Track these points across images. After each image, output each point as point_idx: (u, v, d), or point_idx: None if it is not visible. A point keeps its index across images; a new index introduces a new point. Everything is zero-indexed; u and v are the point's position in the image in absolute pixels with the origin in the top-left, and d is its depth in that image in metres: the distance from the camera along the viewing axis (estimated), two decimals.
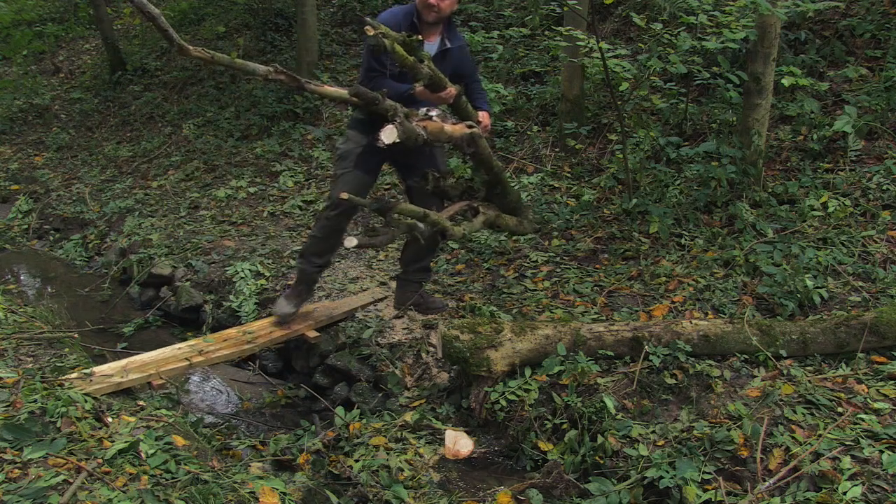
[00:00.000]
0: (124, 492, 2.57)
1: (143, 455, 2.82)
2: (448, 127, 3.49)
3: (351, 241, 3.26)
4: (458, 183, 4.01)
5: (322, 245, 4.14)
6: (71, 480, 2.59)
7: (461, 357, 3.49)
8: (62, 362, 3.67)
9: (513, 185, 4.33)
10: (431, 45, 3.77)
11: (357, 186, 3.87)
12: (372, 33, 3.09)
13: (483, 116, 3.95)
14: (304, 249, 4.28)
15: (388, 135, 3.09)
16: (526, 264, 4.82)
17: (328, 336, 4.41)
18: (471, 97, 3.96)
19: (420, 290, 4.41)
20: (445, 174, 3.98)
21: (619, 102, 5.00)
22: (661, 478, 2.77)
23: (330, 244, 4.15)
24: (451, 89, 3.60)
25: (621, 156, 5.05)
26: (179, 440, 3.05)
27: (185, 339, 4.42)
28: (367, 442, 3.35)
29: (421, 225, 3.39)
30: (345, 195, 3.19)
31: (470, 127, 3.60)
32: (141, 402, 3.45)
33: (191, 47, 2.91)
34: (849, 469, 2.64)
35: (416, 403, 3.82)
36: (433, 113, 3.48)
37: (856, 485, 2.56)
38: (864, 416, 2.91)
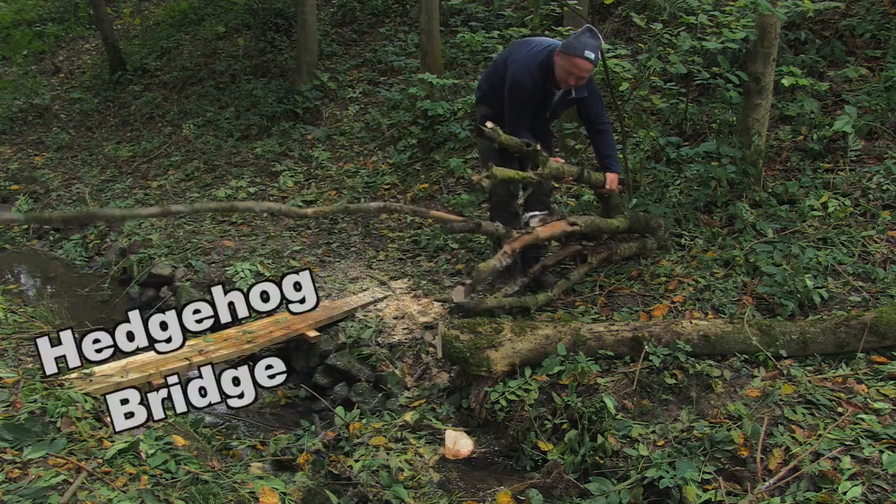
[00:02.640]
0: (124, 492, 2.57)
1: (143, 455, 2.82)
2: (545, 231, 3.94)
3: (459, 294, 3.59)
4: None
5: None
6: (71, 480, 2.60)
7: (461, 357, 3.49)
8: (62, 362, 3.67)
9: (642, 211, 4.57)
10: (560, 91, 4.05)
11: None
12: (491, 126, 3.58)
13: (610, 180, 4.20)
14: (494, 249, 4.56)
15: (457, 295, 3.47)
16: None
17: (328, 336, 4.42)
18: (598, 151, 4.29)
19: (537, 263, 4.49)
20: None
21: (619, 102, 4.99)
22: (661, 478, 2.77)
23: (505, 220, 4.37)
24: (569, 178, 4.06)
25: (621, 156, 5.04)
26: (179, 440, 3.05)
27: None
28: (367, 442, 3.35)
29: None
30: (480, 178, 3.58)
31: (572, 224, 3.97)
32: None
33: (309, 211, 3.23)
34: (849, 469, 2.64)
35: (416, 403, 3.82)
36: (534, 222, 3.99)
37: (856, 485, 2.56)
38: (864, 416, 2.91)
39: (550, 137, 4.54)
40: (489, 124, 3.60)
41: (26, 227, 7.75)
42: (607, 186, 4.19)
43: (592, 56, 3.74)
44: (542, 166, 3.80)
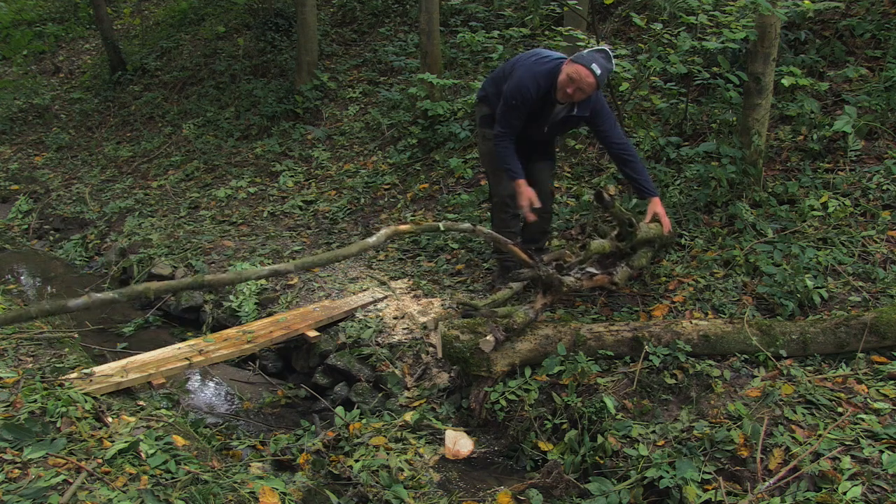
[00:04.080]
0: (124, 492, 2.57)
1: (143, 455, 2.82)
2: (588, 284, 3.97)
3: (488, 345, 3.49)
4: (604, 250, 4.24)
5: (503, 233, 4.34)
6: (71, 480, 2.59)
7: (461, 357, 3.49)
8: (62, 362, 3.67)
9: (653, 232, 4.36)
10: (562, 105, 4.02)
11: None
12: (612, 193, 3.67)
13: (654, 206, 4.08)
14: (494, 248, 4.68)
15: (486, 345, 3.44)
16: None
17: (328, 336, 4.41)
18: (628, 177, 4.16)
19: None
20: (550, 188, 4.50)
21: (619, 102, 5.00)
22: (661, 478, 2.77)
23: (506, 221, 4.42)
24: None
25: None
26: (179, 440, 3.05)
27: (184, 339, 4.42)
28: (367, 442, 3.35)
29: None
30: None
31: (613, 284, 4.02)
32: (141, 402, 3.45)
33: (402, 227, 3.25)
34: (849, 469, 2.64)
35: (416, 403, 3.82)
36: (584, 277, 3.97)
37: (856, 485, 2.56)
38: (864, 416, 2.91)
39: (551, 149, 4.51)
40: (611, 189, 3.66)
41: (26, 227, 7.75)
42: (658, 212, 4.10)
43: (598, 71, 3.72)
44: (628, 240, 3.90)
